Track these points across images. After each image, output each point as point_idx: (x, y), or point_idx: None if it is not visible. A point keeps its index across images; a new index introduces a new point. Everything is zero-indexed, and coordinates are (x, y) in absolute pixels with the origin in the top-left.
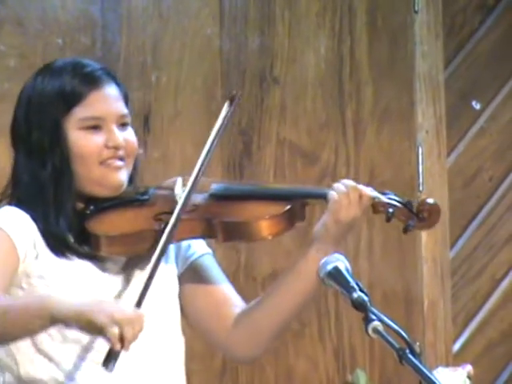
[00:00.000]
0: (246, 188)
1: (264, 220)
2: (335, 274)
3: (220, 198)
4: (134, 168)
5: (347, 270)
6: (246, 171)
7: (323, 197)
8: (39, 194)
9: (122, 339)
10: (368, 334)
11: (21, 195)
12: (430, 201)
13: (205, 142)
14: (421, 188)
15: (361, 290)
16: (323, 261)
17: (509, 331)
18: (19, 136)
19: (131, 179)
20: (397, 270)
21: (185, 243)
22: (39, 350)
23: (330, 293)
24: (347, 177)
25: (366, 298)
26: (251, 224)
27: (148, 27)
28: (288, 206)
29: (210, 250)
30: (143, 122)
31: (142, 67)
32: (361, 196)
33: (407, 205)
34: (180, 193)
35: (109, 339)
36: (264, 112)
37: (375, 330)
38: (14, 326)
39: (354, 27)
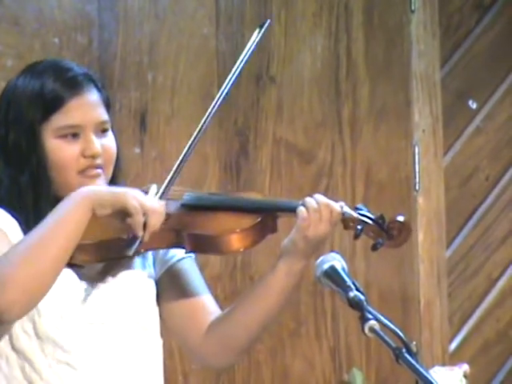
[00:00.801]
0: (217, 199)
1: (234, 233)
2: (331, 273)
3: (191, 208)
4: (118, 169)
5: (343, 269)
6: (243, 170)
7: (293, 211)
8: (19, 198)
9: (145, 226)
10: (364, 334)
11: (3, 197)
12: (401, 219)
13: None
14: (417, 187)
15: (357, 289)
16: (320, 260)
17: (505, 330)
18: None
19: (115, 181)
20: (393, 270)
21: None
22: (14, 348)
23: (326, 292)
24: (343, 175)
25: (362, 298)
26: (221, 238)
27: (144, 27)
28: (258, 219)
29: (191, 254)
30: (140, 122)
31: (138, 67)
32: (331, 212)
33: (378, 221)
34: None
35: (134, 224)
36: (260, 111)
37: (372, 329)
38: (53, 245)
39: (350, 26)
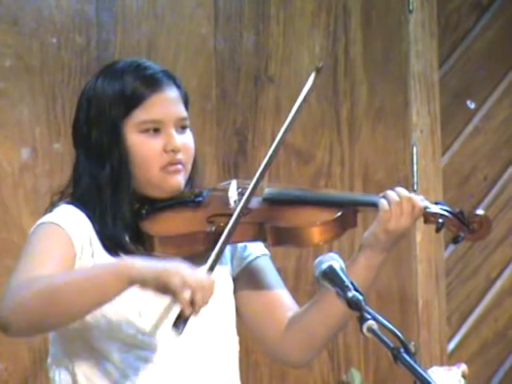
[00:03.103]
0: (298, 193)
1: (316, 226)
2: (330, 274)
3: (273, 202)
4: (195, 169)
5: (342, 269)
6: (241, 170)
7: (375, 205)
8: (97, 194)
9: (192, 304)
10: (363, 334)
11: (79, 195)
12: (481, 212)
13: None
14: (415, 187)
15: (355, 290)
16: (317, 260)
17: (503, 330)
18: (80, 137)
19: (191, 180)
20: (392, 270)
21: (240, 244)
22: (93, 349)
23: None
24: (341, 176)
25: (360, 298)
26: (303, 230)
27: (143, 27)
28: (339, 213)
29: (267, 252)
30: None
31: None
32: (413, 206)
33: (458, 215)
34: (234, 195)
35: (180, 303)
36: (259, 111)
37: (370, 330)
38: (75, 298)
39: (348, 26)
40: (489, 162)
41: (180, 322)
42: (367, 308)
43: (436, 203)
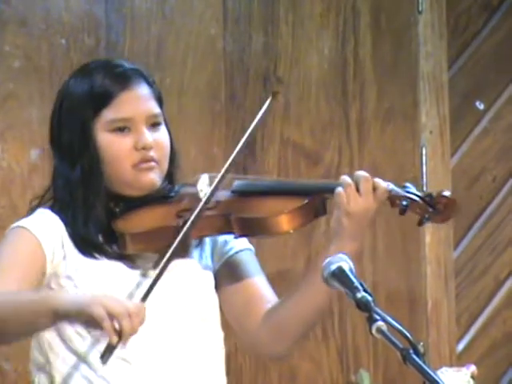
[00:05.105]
0: (266, 184)
1: (283, 214)
2: (339, 275)
3: (241, 194)
4: (173, 165)
5: (351, 270)
6: (250, 171)
7: (331, 190)
8: (70, 196)
9: (119, 332)
10: (372, 334)
11: (55, 198)
12: (447, 193)
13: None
14: (424, 188)
15: (365, 291)
16: (327, 261)
17: None
18: (53, 140)
19: (171, 176)
20: (400, 271)
21: (221, 238)
22: (70, 349)
23: (333, 293)
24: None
25: (369, 298)
26: (270, 219)
27: (152, 28)
28: (306, 201)
29: (250, 246)
30: None
31: (145, 68)
32: (375, 188)
33: (425, 198)
34: (204, 188)
35: (106, 332)
36: (268, 112)
37: (379, 330)
38: (17, 321)
39: (357, 28)
40: (498, 163)
41: (107, 351)
42: (376, 309)
43: (403, 187)
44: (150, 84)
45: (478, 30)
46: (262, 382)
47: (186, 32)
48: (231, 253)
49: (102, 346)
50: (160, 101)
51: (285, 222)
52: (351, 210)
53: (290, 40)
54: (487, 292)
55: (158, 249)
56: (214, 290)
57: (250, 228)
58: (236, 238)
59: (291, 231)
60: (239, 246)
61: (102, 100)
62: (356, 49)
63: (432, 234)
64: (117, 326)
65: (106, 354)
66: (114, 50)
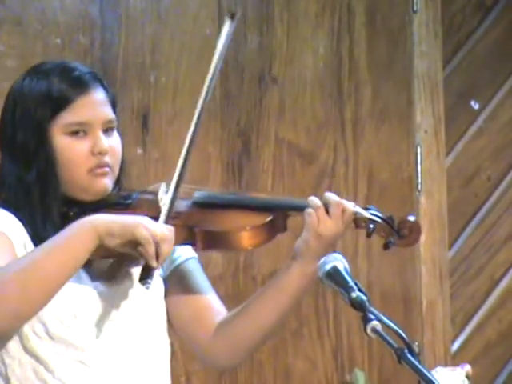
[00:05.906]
0: (228, 197)
1: (245, 231)
2: (334, 274)
3: (202, 205)
4: (122, 171)
5: (346, 270)
6: (245, 171)
7: (302, 210)
8: (25, 197)
9: (157, 256)
10: (366, 334)
11: (6, 197)
12: (411, 218)
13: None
14: (419, 188)
15: (359, 290)
16: (322, 261)
17: (507, 331)
18: (4, 138)
19: (119, 182)
20: (395, 270)
21: None
22: (27, 350)
23: (328, 292)
24: (345, 176)
25: (364, 298)
26: (232, 234)
27: (147, 28)
28: (269, 218)
29: (195, 255)
30: (142, 123)
31: (140, 67)
32: (343, 211)
33: (388, 221)
34: (163, 197)
35: (146, 255)
36: (263, 112)
37: (374, 330)
38: (51, 271)
39: (352, 27)
40: (493, 162)
41: (147, 274)
42: (371, 308)
43: (366, 208)
44: (106, 88)
45: (473, 29)
46: (257, 382)
47: (181, 32)
48: (178, 262)
49: (59, 346)
50: (114, 106)
51: (246, 239)
52: (321, 233)
53: (284, 39)
54: (482, 292)
55: (116, 255)
56: (163, 298)
57: (213, 241)
58: (195, 250)
59: (250, 248)
60: (186, 254)
61: (60, 103)
62: (351, 48)
63: (427, 234)
64: (155, 249)
65: (147, 278)
66: (108, 50)
